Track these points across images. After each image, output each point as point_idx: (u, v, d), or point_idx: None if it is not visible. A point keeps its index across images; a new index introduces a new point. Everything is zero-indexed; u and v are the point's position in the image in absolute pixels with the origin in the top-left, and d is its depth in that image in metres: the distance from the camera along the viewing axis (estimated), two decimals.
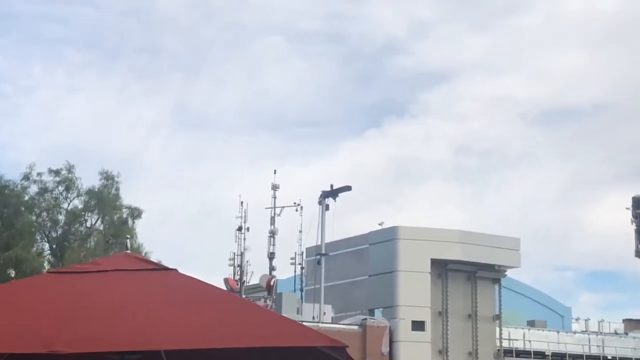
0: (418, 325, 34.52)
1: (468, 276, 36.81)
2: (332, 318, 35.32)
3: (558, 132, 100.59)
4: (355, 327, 33.65)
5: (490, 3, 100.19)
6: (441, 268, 35.85)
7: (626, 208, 39.90)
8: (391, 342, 34.20)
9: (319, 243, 35.12)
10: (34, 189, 46.91)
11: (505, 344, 38.26)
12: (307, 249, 36.71)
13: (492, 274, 37.24)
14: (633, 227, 41.88)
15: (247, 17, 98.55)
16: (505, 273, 38.02)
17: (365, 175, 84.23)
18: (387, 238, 35.90)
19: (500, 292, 37.79)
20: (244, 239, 36.58)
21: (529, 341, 40.32)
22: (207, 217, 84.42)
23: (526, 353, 39.85)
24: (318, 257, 34.85)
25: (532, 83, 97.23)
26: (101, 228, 48.19)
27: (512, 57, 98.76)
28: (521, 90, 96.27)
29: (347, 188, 34.66)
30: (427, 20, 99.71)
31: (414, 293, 34.78)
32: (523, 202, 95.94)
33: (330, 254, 35.44)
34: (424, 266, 34.96)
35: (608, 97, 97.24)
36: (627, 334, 44.85)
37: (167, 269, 7.01)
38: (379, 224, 36.91)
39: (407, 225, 36.19)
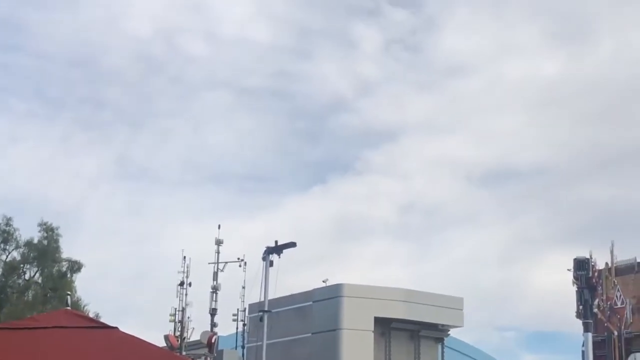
0: None
1: (411, 335, 36.63)
2: None
3: (501, 193, 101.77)
4: None
5: (434, 65, 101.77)
6: (384, 327, 35.64)
7: (567, 269, 40.06)
8: None
9: (262, 299, 34.70)
10: None
11: None
12: (250, 306, 36.30)
13: (435, 333, 37.11)
14: (574, 288, 42.08)
15: (193, 72, 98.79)
16: (449, 332, 37.96)
17: (310, 231, 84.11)
18: (331, 295, 35.62)
19: (443, 351, 37.67)
20: (186, 295, 36.16)
21: None
22: (148, 272, 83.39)
23: None
24: (261, 313, 34.42)
25: (476, 144, 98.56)
26: (40, 281, 47.28)
27: (456, 118, 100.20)
28: (465, 150, 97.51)
29: (292, 244, 34.31)
30: (372, 79, 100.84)
31: (357, 352, 34.45)
32: (467, 262, 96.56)
33: (273, 310, 35.01)
34: (368, 324, 34.72)
35: (549, 159, 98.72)
36: None
37: (108, 327, 6.78)
38: (323, 281, 36.68)
39: (351, 283, 35.97)
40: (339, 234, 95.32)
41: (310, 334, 36.10)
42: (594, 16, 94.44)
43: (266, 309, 34.66)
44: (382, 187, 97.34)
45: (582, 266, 39.18)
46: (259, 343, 34.13)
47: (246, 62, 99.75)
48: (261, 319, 34.43)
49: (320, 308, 35.81)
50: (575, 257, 39.99)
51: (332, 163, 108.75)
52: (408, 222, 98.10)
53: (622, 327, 46.88)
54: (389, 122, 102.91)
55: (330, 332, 35.12)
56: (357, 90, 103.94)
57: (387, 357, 35.78)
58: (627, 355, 42.07)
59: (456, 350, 49.25)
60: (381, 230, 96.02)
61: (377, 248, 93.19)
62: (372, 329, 35.01)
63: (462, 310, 37.49)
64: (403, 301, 35.64)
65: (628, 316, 46.80)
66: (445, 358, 37.68)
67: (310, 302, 36.40)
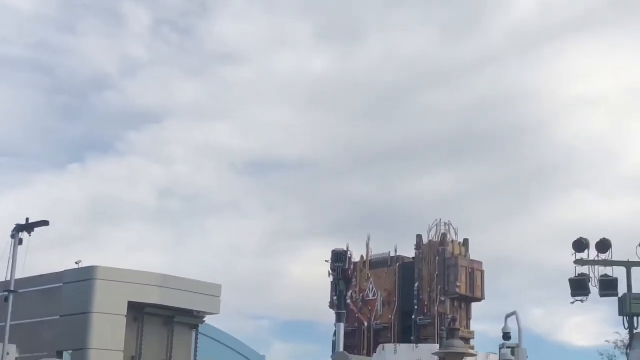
0: None
1: (165, 321, 35.99)
2: (16, 359, 33.21)
3: (264, 184, 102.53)
4: None
5: (205, 51, 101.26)
6: (138, 311, 34.80)
7: (325, 261, 40.81)
8: None
9: (9, 279, 32.96)
10: None
11: None
12: None
13: (190, 319, 36.63)
14: (330, 279, 42.98)
15: None
16: (204, 319, 37.59)
17: (65, 211, 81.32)
18: (83, 278, 34.36)
19: (197, 338, 37.27)
20: None
21: None
22: None
23: None
24: (6, 293, 32.67)
25: (242, 133, 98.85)
26: None
27: (224, 106, 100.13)
28: (231, 139, 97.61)
29: (44, 223, 32.75)
30: (139, 59, 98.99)
31: (108, 336, 33.40)
32: (226, 250, 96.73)
33: (20, 291, 33.36)
34: (121, 309, 33.81)
35: (314, 154, 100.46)
36: None
37: None
38: (76, 263, 35.41)
39: (105, 266, 34.89)
40: (95, 216, 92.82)
41: (58, 317, 34.76)
42: (363, 17, 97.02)
43: (12, 288, 32.93)
44: (143, 170, 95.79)
45: (339, 258, 40.04)
46: (2, 324, 32.41)
47: (4, 31, 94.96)
48: (6, 299, 32.68)
49: (71, 290, 34.51)
50: (333, 249, 40.89)
51: (92, 142, 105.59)
52: (167, 207, 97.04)
53: (373, 319, 48.43)
54: (154, 104, 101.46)
55: (80, 315, 33.89)
56: (122, 69, 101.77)
57: (139, 342, 34.98)
58: (376, 346, 43.34)
59: (211, 338, 49.02)
60: (139, 214, 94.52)
61: (135, 232, 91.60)
62: (125, 313, 34.12)
63: (219, 297, 37.27)
64: (158, 286, 35.00)
65: (379, 308, 48.46)
66: (199, 345, 37.32)
67: (61, 284, 35.05)
